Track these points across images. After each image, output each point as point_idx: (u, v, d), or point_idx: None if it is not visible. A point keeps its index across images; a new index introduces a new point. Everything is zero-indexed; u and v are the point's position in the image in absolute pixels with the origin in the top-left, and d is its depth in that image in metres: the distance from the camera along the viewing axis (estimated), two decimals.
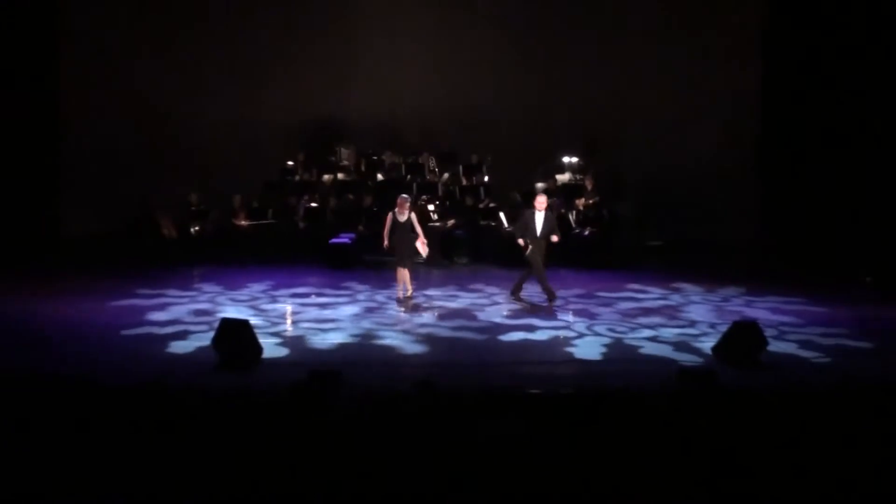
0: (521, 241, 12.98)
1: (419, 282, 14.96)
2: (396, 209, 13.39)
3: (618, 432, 7.30)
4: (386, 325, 11.92)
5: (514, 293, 13.39)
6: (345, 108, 18.94)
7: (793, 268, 15.77)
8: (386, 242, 13.46)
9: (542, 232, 12.88)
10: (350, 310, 12.85)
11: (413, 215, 13.44)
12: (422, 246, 13.41)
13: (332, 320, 12.15)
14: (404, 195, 13.81)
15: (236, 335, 9.96)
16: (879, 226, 14.83)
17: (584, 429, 7.32)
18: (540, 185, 17.92)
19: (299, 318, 12.41)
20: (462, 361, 10.29)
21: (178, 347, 10.67)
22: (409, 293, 13.43)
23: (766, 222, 17.35)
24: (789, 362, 10.32)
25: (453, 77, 19.03)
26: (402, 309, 12.92)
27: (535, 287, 13.42)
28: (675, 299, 13.77)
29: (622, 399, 8.27)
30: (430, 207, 17.44)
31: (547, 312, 12.60)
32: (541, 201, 13.10)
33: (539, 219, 12.91)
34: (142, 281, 14.44)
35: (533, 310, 12.83)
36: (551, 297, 13.08)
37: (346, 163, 18.49)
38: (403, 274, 13.43)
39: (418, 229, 13.41)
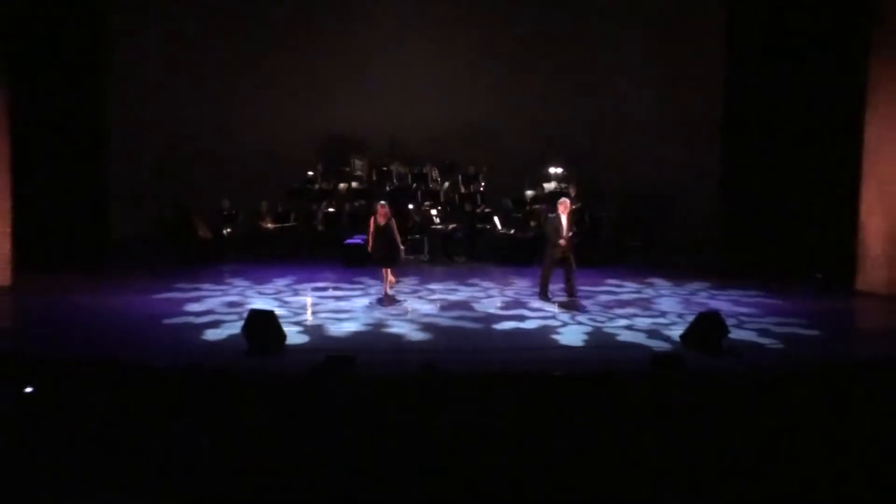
0: (562, 242, 12.52)
1: (423, 277, 15.01)
2: (377, 215, 12.95)
3: (598, 409, 7.33)
4: (394, 315, 11.94)
5: (572, 294, 12.74)
6: (358, 125, 18.97)
7: (751, 265, 15.77)
8: (370, 246, 13.02)
9: (566, 231, 12.65)
10: (363, 302, 12.87)
11: (392, 221, 12.93)
12: (398, 251, 12.99)
13: (347, 311, 12.17)
14: (382, 202, 13.29)
15: (263, 324, 9.98)
16: (827, 229, 14.83)
17: (568, 406, 7.35)
18: (529, 192, 17.95)
19: (318, 308, 12.43)
20: (461, 347, 10.31)
21: (211, 335, 10.69)
22: (390, 289, 13.14)
23: (727, 225, 17.36)
24: (748, 348, 10.33)
25: (453, 98, 19.06)
26: (386, 304, 12.59)
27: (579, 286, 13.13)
28: (648, 293, 13.78)
29: (602, 380, 8.29)
30: (433, 212, 17.46)
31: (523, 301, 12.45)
32: (565, 203, 12.81)
33: (564, 220, 12.67)
34: (180, 276, 14.49)
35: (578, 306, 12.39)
36: (544, 292, 12.85)
37: (359, 173, 18.52)
38: (387, 273, 13.04)
39: (396, 234, 12.94)
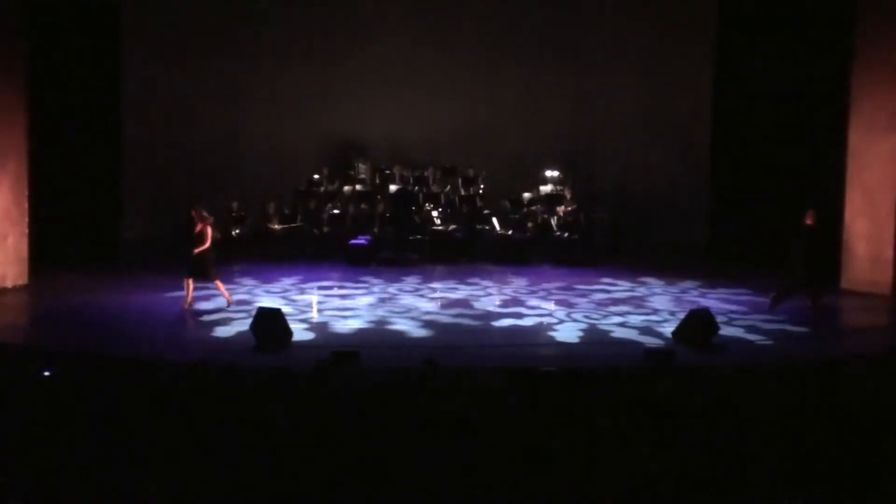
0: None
1: (425, 276, 14.96)
2: None
3: (592, 402, 7.31)
4: (397, 312, 11.91)
5: (775, 304, 11.81)
6: (362, 130, 18.96)
7: (740, 264, 15.74)
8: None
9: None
10: (366, 300, 12.84)
11: (208, 229, 11.60)
12: (191, 260, 11.62)
13: (352, 309, 12.14)
14: (196, 208, 11.82)
15: (270, 321, 9.96)
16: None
17: (564, 399, 7.33)
18: (526, 194, 17.89)
19: (323, 306, 12.40)
20: (461, 343, 10.29)
21: (221, 332, 10.67)
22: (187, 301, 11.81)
23: (717, 225, 17.32)
24: (737, 344, 10.31)
25: (453, 103, 19.01)
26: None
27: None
28: (640, 291, 13.75)
29: (596, 375, 8.27)
30: (434, 214, 17.44)
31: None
32: (812, 216, 11.49)
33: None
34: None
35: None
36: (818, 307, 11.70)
37: (363, 176, 18.49)
38: (189, 283, 11.75)
39: (206, 244, 11.56)
